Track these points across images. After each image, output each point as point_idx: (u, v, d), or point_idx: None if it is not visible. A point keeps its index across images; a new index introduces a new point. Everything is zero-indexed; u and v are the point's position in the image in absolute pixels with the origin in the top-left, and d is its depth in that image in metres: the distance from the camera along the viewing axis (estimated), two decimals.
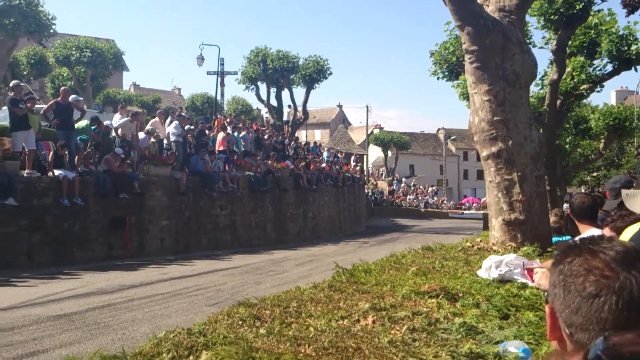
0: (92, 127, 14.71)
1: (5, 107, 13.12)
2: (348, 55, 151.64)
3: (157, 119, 17.47)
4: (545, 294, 1.24)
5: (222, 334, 2.92)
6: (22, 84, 13.77)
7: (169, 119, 17.54)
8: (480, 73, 8.99)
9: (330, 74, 32.99)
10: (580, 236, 5.03)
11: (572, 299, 1.07)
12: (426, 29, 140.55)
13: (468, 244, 9.08)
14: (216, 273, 11.68)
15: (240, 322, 3.29)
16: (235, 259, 14.40)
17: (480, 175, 63.34)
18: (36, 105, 14.04)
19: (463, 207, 49.77)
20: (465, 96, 18.65)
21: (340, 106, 72.58)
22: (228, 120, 23.33)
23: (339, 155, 34.12)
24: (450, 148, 66.24)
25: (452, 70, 18.88)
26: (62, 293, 8.96)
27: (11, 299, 8.47)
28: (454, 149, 67.47)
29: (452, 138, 64.00)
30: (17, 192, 11.59)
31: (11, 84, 13.28)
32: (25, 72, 27.55)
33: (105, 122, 15.14)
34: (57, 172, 12.65)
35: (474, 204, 49.86)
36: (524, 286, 5.55)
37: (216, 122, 22.25)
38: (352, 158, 38.32)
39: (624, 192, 2.55)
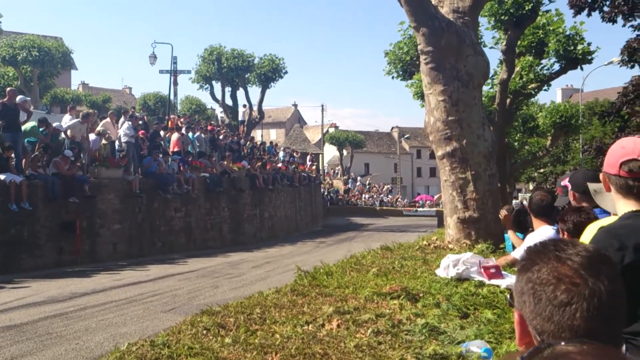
0: (40, 129, 14.18)
1: None
2: (303, 54, 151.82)
3: (108, 119, 16.96)
4: (508, 296, 1.26)
5: (186, 345, 2.86)
6: None
7: (121, 120, 17.06)
8: (435, 74, 9.15)
9: (286, 72, 32.93)
10: (534, 234, 5.18)
11: (544, 307, 1.08)
12: (381, 28, 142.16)
13: (425, 242, 9.23)
14: (172, 277, 11.46)
15: (204, 332, 3.24)
16: (191, 263, 14.17)
17: (433, 172, 64.67)
18: None
19: (417, 204, 50.57)
20: (419, 95, 18.95)
21: (295, 105, 72.54)
22: (182, 120, 22.90)
23: (294, 154, 34.06)
24: (404, 146, 67.25)
25: (406, 69, 19.14)
26: (11, 302, 8.60)
27: None
28: (407, 147, 68.53)
29: (405, 136, 65.01)
30: None
31: None
32: None
33: (55, 124, 14.62)
34: (2, 176, 12.13)
35: (427, 202, 50.75)
36: (482, 284, 5.68)
37: (170, 122, 21.81)
38: (308, 157, 38.37)
39: (591, 186, 2.56)
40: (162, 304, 8.53)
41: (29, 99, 14.74)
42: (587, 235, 2.39)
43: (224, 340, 3.03)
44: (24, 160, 13.08)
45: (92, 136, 15.44)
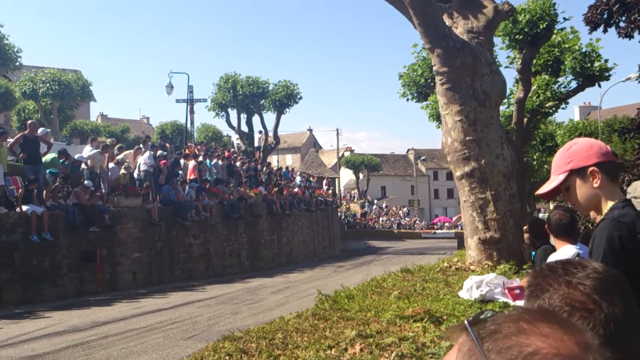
0: (60, 160, 14.41)
1: None
2: (317, 79, 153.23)
3: (131, 151, 17.20)
4: None
5: None
6: None
7: (141, 149, 17.28)
8: (451, 94, 9.15)
9: (300, 98, 33.19)
10: (556, 254, 5.07)
11: None
12: (395, 51, 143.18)
13: (445, 264, 9.12)
14: (191, 305, 11.43)
15: (227, 358, 3.21)
16: (210, 289, 14.15)
17: (450, 194, 64.20)
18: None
19: (435, 226, 50.15)
20: (435, 117, 18.96)
21: (310, 130, 72.90)
22: (199, 148, 23.14)
23: (311, 179, 34.12)
24: (421, 168, 67.02)
25: (420, 91, 19.20)
26: (34, 333, 8.64)
27: None
28: (424, 169, 68.28)
29: (422, 158, 64.81)
30: None
31: None
32: None
33: (76, 156, 14.85)
34: (25, 207, 12.31)
35: (446, 223, 50.31)
36: (506, 305, 5.58)
37: (187, 150, 22.05)
38: (324, 182, 38.39)
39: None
40: (183, 331, 8.50)
41: (49, 130, 15.01)
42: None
43: None
44: (44, 191, 13.26)
45: (111, 165, 15.63)
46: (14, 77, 28.39)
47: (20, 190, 12.79)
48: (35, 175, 12.91)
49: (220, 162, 21.77)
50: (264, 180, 25.04)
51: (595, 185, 2.07)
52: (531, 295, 1.11)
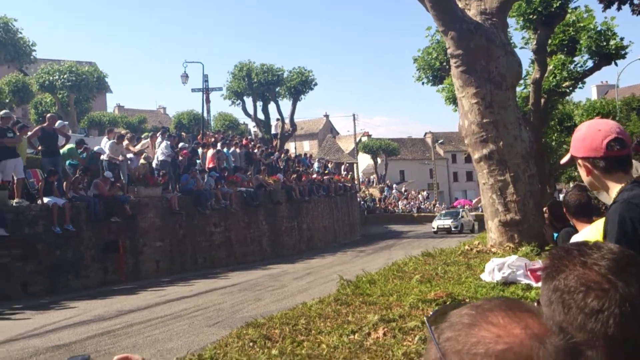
0: (78, 151, 14.57)
1: None
2: (332, 64, 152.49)
3: (148, 140, 17.37)
4: (537, 303, 1.21)
5: (234, 358, 2.87)
6: (7, 114, 13.53)
7: (158, 139, 17.42)
8: (466, 76, 9.04)
9: (315, 84, 33.11)
10: (578, 236, 4.99)
11: (574, 316, 1.04)
12: (410, 34, 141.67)
13: (466, 247, 9.08)
14: (214, 292, 11.55)
15: (251, 344, 3.23)
16: (233, 276, 14.27)
17: (469, 176, 63.68)
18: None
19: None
20: (451, 100, 18.77)
21: (327, 116, 72.75)
22: (217, 136, 23.24)
23: (329, 165, 34.10)
24: (439, 152, 66.55)
25: (436, 75, 19.00)
26: (60, 322, 8.80)
27: (8, 331, 8.30)
28: (442, 152, 67.79)
29: (439, 142, 64.31)
30: (7, 222, 11.41)
31: (0, 114, 13.06)
32: (7, 100, 27.29)
33: (95, 148, 15.00)
34: (46, 199, 12.50)
35: (466, 206, 50.01)
36: (529, 287, 5.55)
37: (205, 139, 22.17)
38: (343, 167, 38.33)
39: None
40: (206, 319, 8.60)
41: (67, 123, 15.16)
42: (588, 232, 2.42)
43: (271, 352, 3.03)
44: (65, 183, 13.45)
45: (130, 156, 15.77)
46: (30, 71, 28.69)
47: (40, 182, 12.98)
48: (54, 167, 13.08)
49: (238, 150, 21.85)
50: (282, 167, 25.10)
51: (585, 175, 2.14)
52: (547, 277, 1.11)
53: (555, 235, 7.08)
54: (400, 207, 45.83)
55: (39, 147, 13.48)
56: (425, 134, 71.61)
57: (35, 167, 13.77)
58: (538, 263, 6.08)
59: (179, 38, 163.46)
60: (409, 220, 39.78)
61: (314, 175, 27.55)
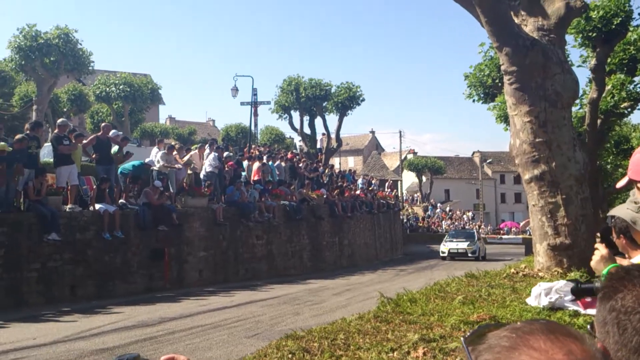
0: (136, 164, 15.01)
1: (48, 144, 13.49)
2: (380, 81, 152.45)
3: (196, 152, 17.78)
4: (589, 327, 1.17)
5: None
6: (65, 122, 14.11)
7: (206, 151, 17.80)
8: (520, 94, 8.84)
9: (363, 100, 33.12)
10: (634, 260, 4.78)
11: (630, 338, 1.00)
12: (460, 50, 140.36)
13: (512, 270, 8.82)
14: (254, 304, 11.61)
15: (289, 356, 3.24)
16: (273, 289, 14.32)
17: (518, 198, 62.14)
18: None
19: (501, 232, 48.73)
20: (502, 118, 18.41)
21: (373, 132, 72.68)
22: (263, 149, 23.55)
23: (373, 181, 33.95)
24: (487, 171, 65.29)
25: (487, 92, 18.69)
26: (104, 327, 9.01)
27: (55, 333, 8.56)
28: (490, 172, 66.48)
29: (488, 161, 63.12)
30: (60, 227, 11.83)
31: (58, 122, 13.65)
32: (65, 109, 28.47)
33: (147, 160, 15.42)
34: (98, 206, 12.91)
35: (513, 229, 48.76)
36: (576, 314, 5.33)
37: (251, 152, 22.49)
38: (387, 184, 38.10)
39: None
40: (246, 330, 8.63)
41: (120, 133, 15.67)
42: None
43: None
44: (116, 190, 13.87)
45: (178, 167, 16.13)
46: (88, 81, 29.88)
47: (93, 189, 13.42)
48: (107, 175, 13.52)
49: (283, 164, 22.04)
50: (326, 182, 25.14)
51: None
52: (604, 296, 1.08)
53: None
54: (444, 226, 45.12)
55: (94, 155, 13.96)
56: (473, 153, 70.46)
57: (89, 175, 14.26)
58: None
59: (230, 52, 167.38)
60: None
61: (358, 192, 27.48)
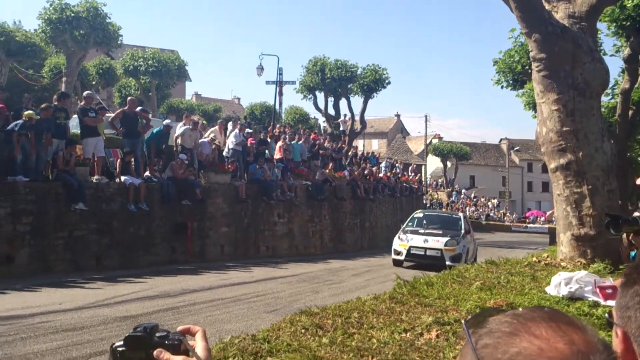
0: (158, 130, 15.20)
1: (75, 116, 13.76)
2: (407, 64, 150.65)
3: (217, 127, 17.87)
4: (607, 315, 1.16)
5: (285, 342, 2.93)
6: (90, 94, 14.37)
7: (229, 128, 17.90)
8: (548, 82, 8.68)
9: (389, 83, 32.80)
10: None
11: None
12: (489, 36, 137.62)
13: (534, 259, 8.76)
14: (274, 280, 11.77)
15: (302, 331, 3.29)
16: (293, 267, 14.48)
17: (545, 187, 61.23)
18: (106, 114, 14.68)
19: (527, 220, 48.19)
20: (530, 105, 18.09)
21: (398, 115, 72.03)
22: (287, 129, 23.58)
23: (396, 165, 33.79)
24: (514, 159, 64.35)
25: (516, 78, 18.37)
26: (129, 295, 9.26)
27: (81, 299, 8.83)
28: (517, 160, 65.51)
29: (515, 149, 62.15)
30: (86, 197, 12.10)
31: (84, 94, 13.90)
32: (94, 82, 28.84)
33: (175, 135, 15.61)
34: (123, 178, 13.15)
35: (539, 218, 48.16)
36: (596, 305, 5.30)
37: (275, 131, 22.56)
38: (410, 168, 37.89)
39: None
40: (265, 305, 8.78)
41: (147, 109, 15.87)
42: None
43: (322, 340, 3.08)
44: (141, 163, 14.10)
45: (201, 142, 16.28)
46: (117, 56, 30.16)
47: (118, 161, 13.68)
48: (133, 148, 13.73)
49: (306, 144, 22.06)
50: (348, 164, 25.12)
51: None
52: (626, 283, 1.08)
53: (633, 254, 6.69)
54: (467, 213, 44.76)
55: (120, 129, 14.18)
56: (501, 140, 69.43)
57: (117, 147, 14.50)
58: (609, 280, 5.79)
59: (256, 30, 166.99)
60: (476, 228, 38.59)
61: (381, 174, 27.40)
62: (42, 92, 25.42)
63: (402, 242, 15.39)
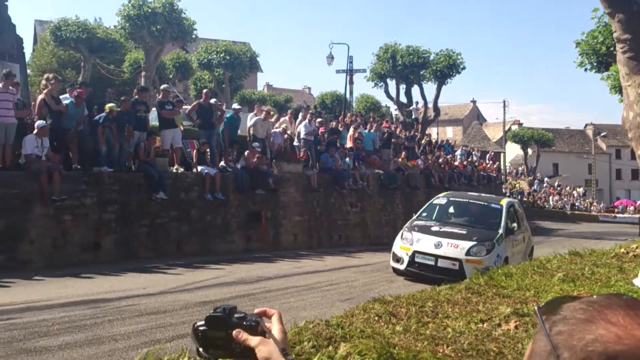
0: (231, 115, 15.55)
1: (154, 109, 14.34)
2: (483, 48, 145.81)
3: (287, 117, 18.06)
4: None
5: (359, 328, 2.93)
6: (168, 87, 14.91)
7: (299, 118, 18.06)
8: (634, 63, 8.11)
9: (464, 68, 31.80)
10: None
11: None
12: (570, 16, 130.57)
13: (622, 250, 8.26)
14: (347, 269, 11.79)
15: (376, 318, 3.28)
16: (366, 257, 14.44)
17: (635, 175, 57.57)
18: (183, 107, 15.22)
19: (615, 210, 45.54)
20: (616, 89, 16.99)
21: (474, 102, 69.93)
22: (358, 118, 23.48)
23: (473, 152, 32.88)
24: (600, 145, 60.83)
25: (601, 61, 17.29)
26: (207, 281, 9.58)
27: (163, 284, 9.24)
28: (604, 146, 61.88)
29: (602, 134, 58.67)
30: (166, 187, 12.61)
31: (161, 88, 14.46)
32: (170, 76, 29.88)
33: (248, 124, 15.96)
34: (200, 168, 13.59)
35: (629, 207, 45.41)
36: None
37: (346, 120, 22.52)
38: (488, 156, 36.68)
39: None
40: (339, 294, 8.81)
41: (220, 101, 16.30)
42: None
43: (395, 328, 3.05)
44: (217, 154, 14.51)
45: (273, 131, 16.50)
46: (191, 49, 31.09)
47: (194, 152, 14.16)
48: (209, 139, 14.16)
49: (378, 133, 21.88)
50: (422, 152, 24.70)
51: None
52: None
53: None
54: (551, 202, 42.85)
55: (197, 120, 14.64)
56: (586, 125, 65.81)
57: (192, 138, 15.01)
58: None
59: (326, 19, 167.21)
60: (560, 218, 36.94)
61: (456, 163, 26.74)
62: (123, 87, 26.66)
63: (405, 244, 10.54)
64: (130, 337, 6.30)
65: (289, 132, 17.23)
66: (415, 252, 10.28)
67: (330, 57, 30.50)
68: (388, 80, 32.32)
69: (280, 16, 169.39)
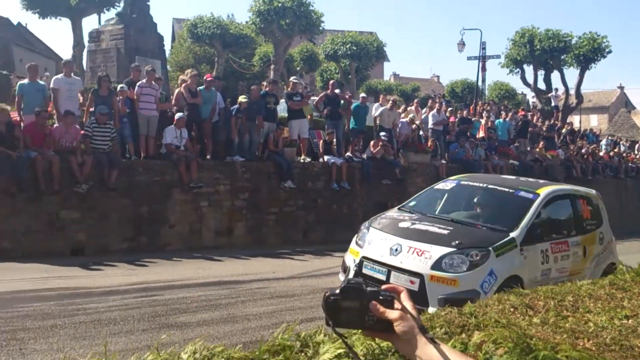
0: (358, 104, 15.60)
1: (283, 100, 14.81)
2: (631, 30, 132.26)
3: (413, 107, 17.69)
4: None
5: (493, 318, 2.80)
6: (296, 80, 15.31)
7: (427, 107, 17.61)
8: None
9: (610, 52, 29.07)
10: None
11: None
12: None
13: None
14: None
15: (511, 309, 3.14)
16: None
17: None
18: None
19: None
20: None
21: (621, 88, 63.89)
22: (491, 106, 22.42)
23: (620, 142, 30.04)
24: None
25: None
26: (333, 268, 9.65)
27: (290, 270, 9.53)
28: None
29: None
30: (294, 176, 12.97)
31: (290, 80, 14.91)
32: (298, 68, 30.69)
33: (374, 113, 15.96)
34: (326, 158, 13.79)
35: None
36: None
37: (478, 108, 21.60)
38: (637, 146, 33.26)
39: None
40: None
41: (345, 93, 16.43)
42: None
43: (532, 320, 2.92)
44: (343, 144, 14.63)
45: (401, 122, 16.26)
46: (318, 41, 31.67)
47: (321, 142, 14.39)
48: (335, 129, 14.32)
49: (512, 122, 20.73)
50: (562, 142, 23.02)
51: None
52: None
53: None
54: None
55: (324, 111, 14.89)
56: None
57: (319, 129, 15.29)
58: None
59: (456, 5, 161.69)
60: None
61: (601, 153, 24.56)
62: (254, 80, 27.90)
63: (355, 247, 7.38)
64: (261, 318, 6.55)
65: (417, 122, 16.89)
66: (363, 258, 6.89)
67: (462, 44, 29.46)
68: (525, 66, 30.60)
69: (408, 3, 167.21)
